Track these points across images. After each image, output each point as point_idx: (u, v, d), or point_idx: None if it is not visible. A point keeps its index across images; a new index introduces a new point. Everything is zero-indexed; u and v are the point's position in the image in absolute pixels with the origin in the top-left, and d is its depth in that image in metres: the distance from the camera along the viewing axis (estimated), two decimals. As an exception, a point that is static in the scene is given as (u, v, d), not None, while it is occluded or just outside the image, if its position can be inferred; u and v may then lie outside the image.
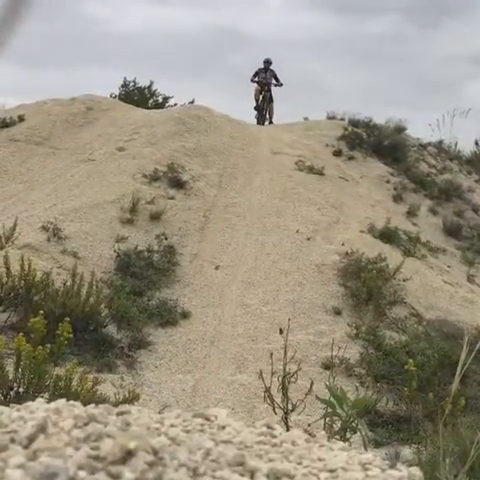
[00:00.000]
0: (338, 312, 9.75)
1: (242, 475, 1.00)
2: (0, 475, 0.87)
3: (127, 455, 0.91)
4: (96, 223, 10.74)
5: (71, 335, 6.45)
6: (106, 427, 1.07)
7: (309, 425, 3.66)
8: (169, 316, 9.18)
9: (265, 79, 17.18)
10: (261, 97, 17.23)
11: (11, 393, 5.98)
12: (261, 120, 17.23)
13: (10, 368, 6.27)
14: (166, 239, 10.76)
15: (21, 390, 6.00)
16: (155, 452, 0.95)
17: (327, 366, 8.61)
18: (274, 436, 1.27)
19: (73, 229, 10.43)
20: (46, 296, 8.39)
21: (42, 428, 0.99)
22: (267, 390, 3.17)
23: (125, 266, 9.91)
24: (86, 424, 1.07)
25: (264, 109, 17.31)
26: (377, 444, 7.39)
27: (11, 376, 6.02)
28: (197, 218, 11.49)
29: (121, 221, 10.88)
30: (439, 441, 4.96)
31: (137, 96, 20.93)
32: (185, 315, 9.30)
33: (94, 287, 8.68)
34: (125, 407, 1.22)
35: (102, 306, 8.73)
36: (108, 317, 8.71)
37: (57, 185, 11.96)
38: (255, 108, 17.37)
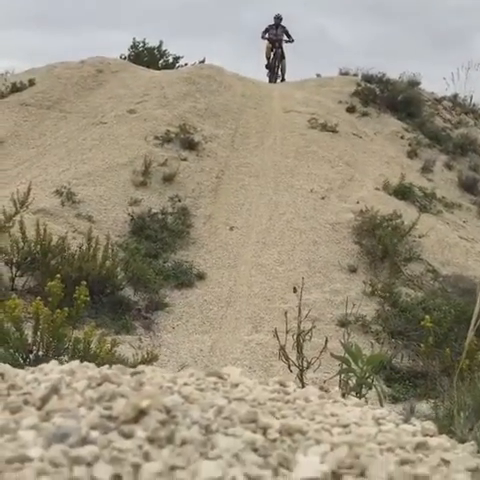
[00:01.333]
0: (353, 270, 9.74)
1: (254, 432, 1.00)
2: (12, 436, 0.87)
3: (139, 414, 0.92)
4: (109, 186, 10.73)
5: (88, 298, 6.49)
6: (119, 387, 1.08)
7: (325, 382, 3.66)
8: (185, 278, 9.21)
9: (276, 35, 16.85)
10: (272, 54, 16.94)
11: (30, 356, 6.05)
12: (273, 78, 16.98)
13: (29, 332, 6.34)
14: (180, 201, 10.75)
15: (40, 353, 6.07)
16: (167, 411, 0.96)
17: (343, 324, 8.63)
18: (287, 393, 1.27)
19: (87, 193, 10.44)
20: (62, 260, 8.44)
21: (55, 389, 0.99)
22: (282, 348, 3.19)
23: (139, 229, 9.93)
24: (99, 385, 1.07)
25: (276, 66, 17.03)
26: (394, 399, 7.43)
27: (30, 340, 6.09)
28: (210, 179, 11.45)
29: (134, 184, 10.87)
30: (455, 395, 4.98)
31: (147, 57, 20.75)
32: (201, 276, 9.33)
33: (110, 250, 8.72)
34: (139, 367, 1.23)
35: (118, 269, 8.77)
36: (124, 280, 8.75)
37: (69, 149, 11.94)
38: (266, 66, 17.11)
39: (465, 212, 12.51)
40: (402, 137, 14.11)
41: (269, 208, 10.99)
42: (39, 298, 7.45)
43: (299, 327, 3.25)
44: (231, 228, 10.44)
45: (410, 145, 13.85)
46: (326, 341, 3.38)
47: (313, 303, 8.97)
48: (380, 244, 10.02)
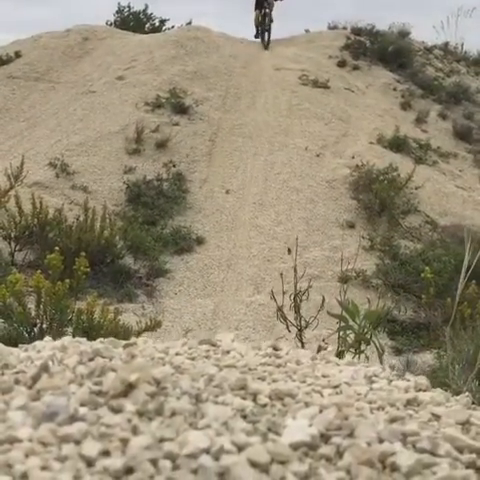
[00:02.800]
0: (352, 226, 9.74)
1: (244, 398, 1.01)
2: (2, 417, 0.88)
3: (128, 388, 0.92)
4: (103, 156, 10.68)
5: (88, 269, 6.50)
6: (111, 361, 1.08)
7: (323, 340, 3.70)
8: (184, 243, 9.22)
9: (268, 3, 15.40)
10: (261, 19, 15.54)
11: (35, 329, 6.09)
12: (264, 45, 15.60)
13: (31, 306, 6.37)
14: (174, 166, 10.71)
15: (44, 326, 6.11)
16: (157, 382, 0.97)
17: (344, 280, 8.66)
18: (279, 357, 1.28)
19: (80, 163, 10.39)
20: (60, 232, 8.44)
21: (45, 367, 1.00)
22: (279, 309, 3.21)
23: (136, 197, 9.91)
24: (91, 360, 1.08)
25: (266, 32, 15.58)
26: (398, 351, 7.50)
27: (33, 313, 6.12)
28: (203, 143, 11.39)
29: (127, 152, 10.81)
30: (455, 345, 5.03)
31: (133, 21, 20.49)
32: (200, 241, 9.34)
33: (107, 220, 8.71)
34: (132, 339, 1.23)
35: (117, 238, 8.77)
36: (124, 248, 8.76)
37: (60, 120, 11.84)
38: (256, 36, 15.58)
39: (461, 161, 12.46)
40: (394, 89, 13.99)
41: (264, 169, 10.94)
42: (39, 271, 7.48)
43: (295, 287, 3.27)
44: (227, 191, 10.41)
45: (403, 96, 13.74)
46: (323, 300, 3.39)
47: (313, 261, 9.01)
48: (377, 198, 10.00)
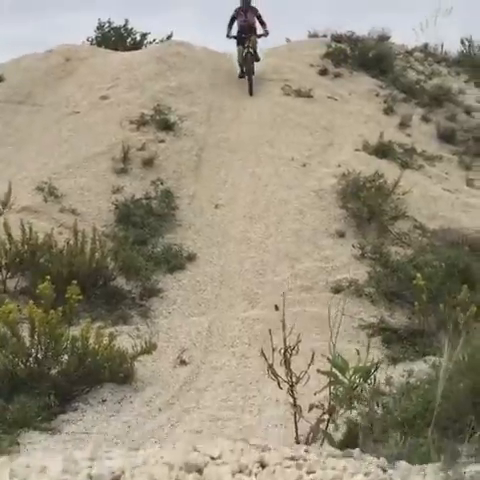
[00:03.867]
0: (342, 235, 9.77)
1: None
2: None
3: None
4: (90, 177, 10.68)
5: (80, 297, 6.52)
6: None
7: (315, 394, 3.72)
8: (175, 261, 9.22)
9: (246, 21, 13.67)
10: (244, 53, 13.48)
11: (30, 359, 6.10)
12: (249, 89, 13.43)
13: (25, 333, 6.36)
14: (162, 184, 10.72)
15: (39, 356, 6.12)
16: None
17: (337, 290, 8.71)
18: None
19: (68, 186, 10.38)
20: (51, 257, 8.43)
21: None
22: (270, 366, 3.23)
23: (125, 216, 9.90)
24: None
25: (250, 72, 13.50)
26: (394, 360, 7.52)
27: (28, 343, 6.12)
28: (190, 158, 11.41)
29: (115, 171, 10.82)
30: (453, 353, 5.06)
31: (114, 36, 20.53)
32: (191, 258, 9.35)
33: (97, 242, 8.70)
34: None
35: (108, 259, 8.77)
36: (115, 270, 8.75)
37: (46, 143, 11.85)
38: (240, 76, 13.76)
39: (446, 163, 12.54)
40: (377, 95, 14.07)
41: (252, 181, 10.98)
42: (32, 301, 7.48)
43: (285, 343, 3.29)
44: (216, 206, 10.44)
45: (385, 102, 13.81)
46: (313, 356, 3.39)
47: (305, 272, 9.04)
48: (365, 206, 10.05)
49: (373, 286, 8.81)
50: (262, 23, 13.83)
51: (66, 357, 6.21)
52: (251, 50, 13.56)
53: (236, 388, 6.49)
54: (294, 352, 3.36)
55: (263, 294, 8.59)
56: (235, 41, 13.77)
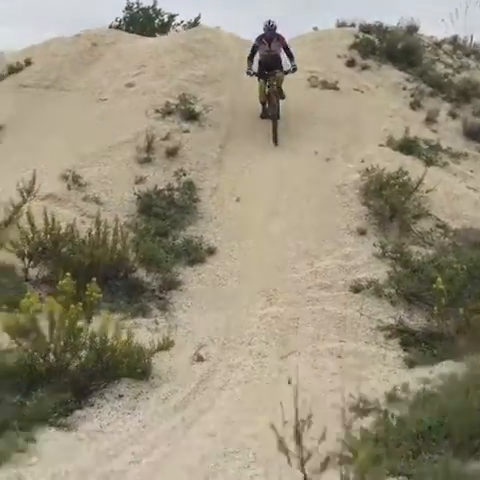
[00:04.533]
0: (363, 232, 9.74)
1: None
2: None
3: None
4: (114, 166, 10.73)
5: (100, 295, 6.58)
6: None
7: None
8: (196, 254, 9.26)
9: (269, 51, 11.94)
10: (267, 89, 11.87)
11: (50, 354, 6.18)
12: (273, 138, 11.69)
13: (45, 322, 6.40)
14: (184, 175, 10.74)
15: (58, 351, 6.19)
16: None
17: (356, 289, 8.69)
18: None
19: (92, 174, 10.44)
20: (73, 247, 8.50)
21: None
22: (280, 441, 3.19)
23: (147, 207, 9.95)
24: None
25: (275, 117, 11.79)
26: (411, 364, 7.50)
27: (47, 338, 6.19)
28: (213, 149, 11.41)
29: (138, 161, 10.86)
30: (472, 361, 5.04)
31: (142, 17, 20.56)
32: (211, 251, 9.38)
33: (119, 233, 8.75)
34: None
35: (129, 251, 8.82)
36: (136, 261, 8.81)
37: (71, 130, 11.89)
38: (262, 116, 12.20)
39: (471, 161, 12.40)
40: (404, 88, 13.92)
41: (275, 175, 10.96)
42: (53, 293, 7.57)
43: (296, 418, 3.25)
44: (238, 199, 10.44)
45: (412, 96, 13.67)
46: (325, 431, 3.35)
47: (324, 270, 9.03)
48: (387, 204, 9.98)
49: (393, 286, 8.77)
50: (289, 56, 12.02)
51: (84, 352, 6.28)
52: (276, 87, 11.80)
53: (252, 389, 6.52)
54: (306, 427, 3.28)
55: (282, 291, 8.60)
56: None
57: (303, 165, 11.13)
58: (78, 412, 5.89)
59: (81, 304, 6.46)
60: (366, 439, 5.14)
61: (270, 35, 11.94)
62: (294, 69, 12.02)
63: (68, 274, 6.56)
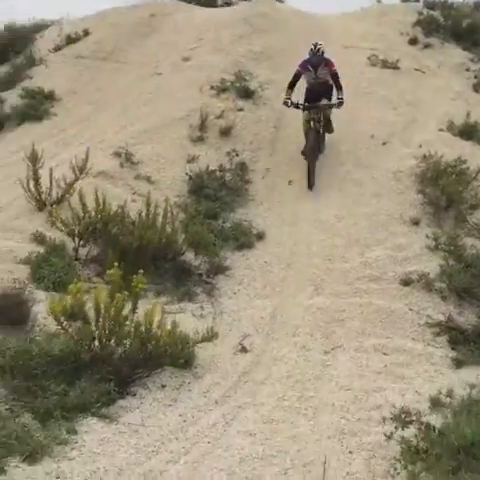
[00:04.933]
0: (416, 222, 9.51)
1: None
2: None
3: None
4: (167, 144, 10.69)
5: (146, 286, 6.61)
6: None
7: None
8: (245, 238, 9.20)
9: (316, 79, 10.50)
10: (312, 123, 10.38)
11: (95, 342, 6.23)
12: (311, 178, 10.14)
13: (90, 304, 6.43)
14: (237, 155, 10.64)
15: (103, 339, 6.25)
16: None
17: (406, 282, 8.52)
18: None
19: (144, 152, 10.43)
20: (123, 229, 8.53)
21: None
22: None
23: (198, 188, 9.91)
24: None
25: (314, 158, 10.25)
26: (459, 363, 7.34)
27: (93, 326, 6.25)
28: (267, 130, 11.25)
29: (191, 139, 10.79)
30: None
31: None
32: (260, 236, 9.31)
33: (169, 214, 8.74)
34: None
35: (178, 233, 8.82)
36: (185, 244, 8.80)
37: (126, 104, 11.89)
38: (303, 152, 10.36)
39: None
40: (467, 69, 13.44)
41: (328, 158, 10.75)
42: (100, 276, 7.65)
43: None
44: (289, 182, 10.31)
45: (476, 77, 13.19)
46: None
47: (375, 261, 8.87)
48: (444, 194, 9.71)
49: (444, 281, 8.55)
50: (337, 86, 10.51)
51: (129, 341, 6.32)
52: (320, 127, 10.45)
53: (294, 385, 6.48)
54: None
55: (330, 281, 8.50)
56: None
57: (358, 148, 10.89)
58: (120, 402, 5.95)
59: (127, 292, 6.49)
60: (407, 451, 5.06)
61: (316, 60, 10.43)
62: (340, 103, 10.42)
63: (116, 264, 6.57)
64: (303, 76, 10.52)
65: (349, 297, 8.22)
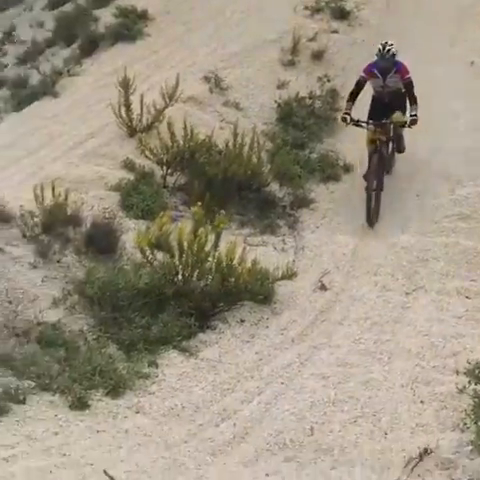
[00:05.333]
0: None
1: None
2: None
3: None
4: (257, 68, 10.55)
5: (226, 225, 6.74)
6: None
7: None
8: (331, 170, 9.12)
9: (385, 86, 8.60)
10: (377, 143, 8.43)
11: (178, 277, 6.46)
12: (374, 215, 8.27)
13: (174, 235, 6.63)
14: (328, 81, 10.39)
15: (186, 274, 6.47)
16: None
17: (496, 223, 8.27)
18: None
19: (234, 77, 10.34)
20: (210, 158, 8.63)
21: None
22: None
23: (287, 116, 9.81)
24: None
25: (378, 184, 8.33)
26: None
27: (176, 260, 6.46)
28: (361, 54, 10.86)
29: (282, 63, 10.61)
30: None
31: None
32: (347, 169, 9.19)
33: (256, 144, 8.75)
34: None
35: (264, 163, 8.84)
36: (270, 175, 8.82)
37: (218, 24, 11.72)
38: (364, 176, 8.52)
39: None
40: None
41: (421, 85, 10.32)
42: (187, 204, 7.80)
43: None
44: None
45: None
46: None
47: (465, 198, 8.63)
48: None
49: None
50: (411, 98, 8.50)
51: (210, 276, 6.51)
52: (387, 151, 8.62)
53: (371, 328, 6.53)
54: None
55: (416, 219, 8.36)
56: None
57: (455, 75, 10.38)
58: (200, 336, 6.20)
59: (210, 226, 6.66)
60: (479, 406, 5.08)
61: (385, 64, 8.50)
62: (412, 121, 8.43)
63: (199, 203, 6.72)
64: (368, 83, 8.66)
65: (435, 236, 8.08)
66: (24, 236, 6.97)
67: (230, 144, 8.69)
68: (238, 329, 6.42)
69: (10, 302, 6.01)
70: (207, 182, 8.46)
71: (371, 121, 8.55)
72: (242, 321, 6.56)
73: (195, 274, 6.47)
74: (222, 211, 6.83)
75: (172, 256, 6.49)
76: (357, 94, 8.67)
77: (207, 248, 6.53)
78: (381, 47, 8.56)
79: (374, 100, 8.78)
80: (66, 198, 7.31)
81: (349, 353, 6.02)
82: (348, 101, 8.74)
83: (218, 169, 8.44)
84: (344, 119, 8.66)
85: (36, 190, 7.23)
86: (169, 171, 8.70)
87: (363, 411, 5.08)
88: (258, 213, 8.54)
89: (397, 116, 8.53)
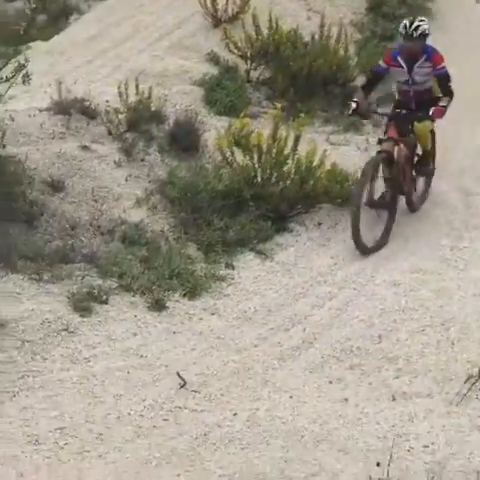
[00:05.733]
0: None
1: None
2: None
3: None
4: None
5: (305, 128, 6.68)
6: None
7: None
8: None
9: (410, 82, 6.58)
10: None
11: (258, 179, 6.55)
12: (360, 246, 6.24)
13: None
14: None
15: (265, 177, 6.55)
16: None
17: None
18: None
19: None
20: (294, 52, 8.47)
21: None
22: None
23: (377, 5, 9.46)
24: None
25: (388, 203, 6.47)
26: None
27: (256, 164, 6.53)
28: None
29: None
30: None
31: None
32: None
33: (343, 36, 8.51)
34: None
35: (350, 56, 8.62)
36: (356, 69, 8.60)
37: None
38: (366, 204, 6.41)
39: None
40: None
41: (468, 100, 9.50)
42: (269, 106, 7.76)
43: None
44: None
45: None
46: None
47: None
48: None
49: None
50: (444, 90, 6.48)
51: (289, 179, 6.57)
52: (404, 156, 6.48)
53: (450, 232, 6.45)
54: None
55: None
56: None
57: None
58: (277, 238, 6.33)
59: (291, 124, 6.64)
60: None
61: (412, 49, 6.44)
62: (437, 111, 6.34)
63: (279, 105, 6.69)
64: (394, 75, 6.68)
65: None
66: (109, 133, 7.13)
67: (316, 37, 8.49)
68: (315, 232, 6.50)
69: (96, 201, 6.27)
70: (291, 77, 8.37)
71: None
72: (319, 224, 6.62)
73: (274, 177, 6.54)
74: (301, 114, 6.76)
75: (251, 158, 6.56)
76: (372, 85, 6.75)
77: (286, 151, 6.55)
78: (407, 23, 6.40)
79: (396, 100, 6.86)
80: (150, 95, 7.39)
81: (423, 259, 6.01)
82: (363, 90, 6.86)
83: (303, 63, 8.31)
84: (349, 107, 6.73)
85: (120, 87, 7.31)
86: (253, 65, 8.62)
87: (432, 320, 5.15)
88: (343, 109, 8.39)
89: (424, 126, 6.51)
